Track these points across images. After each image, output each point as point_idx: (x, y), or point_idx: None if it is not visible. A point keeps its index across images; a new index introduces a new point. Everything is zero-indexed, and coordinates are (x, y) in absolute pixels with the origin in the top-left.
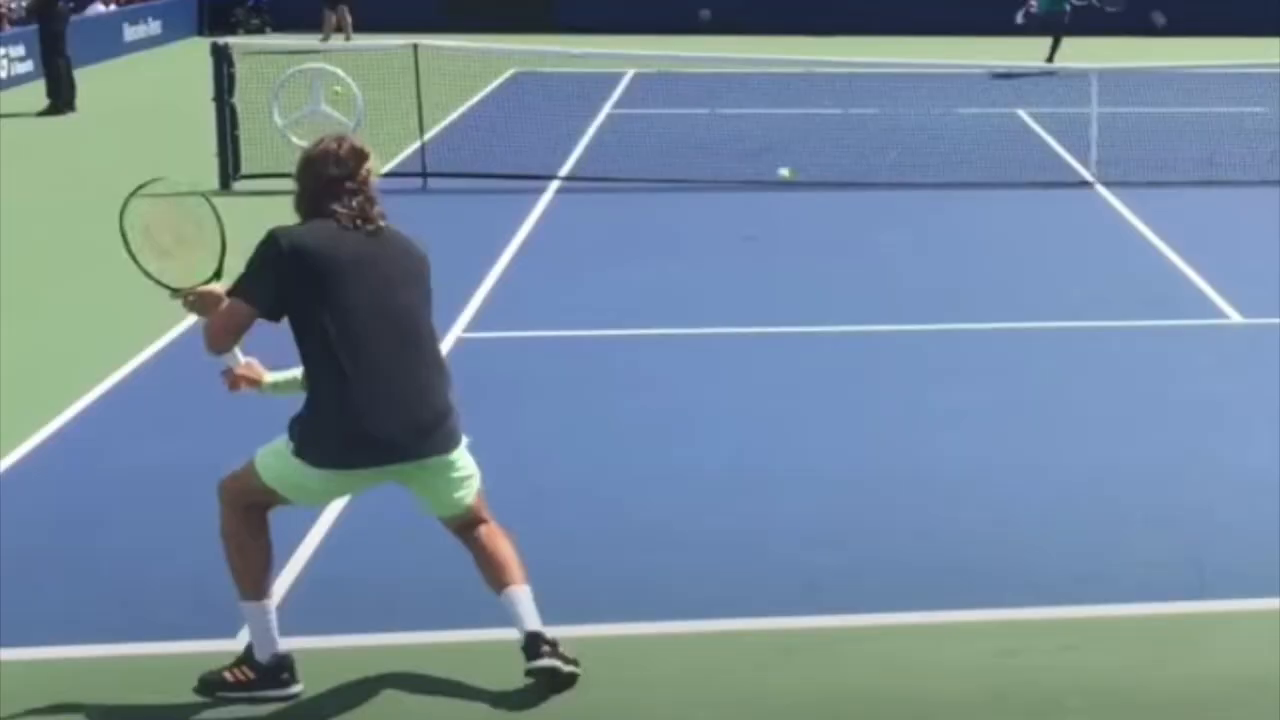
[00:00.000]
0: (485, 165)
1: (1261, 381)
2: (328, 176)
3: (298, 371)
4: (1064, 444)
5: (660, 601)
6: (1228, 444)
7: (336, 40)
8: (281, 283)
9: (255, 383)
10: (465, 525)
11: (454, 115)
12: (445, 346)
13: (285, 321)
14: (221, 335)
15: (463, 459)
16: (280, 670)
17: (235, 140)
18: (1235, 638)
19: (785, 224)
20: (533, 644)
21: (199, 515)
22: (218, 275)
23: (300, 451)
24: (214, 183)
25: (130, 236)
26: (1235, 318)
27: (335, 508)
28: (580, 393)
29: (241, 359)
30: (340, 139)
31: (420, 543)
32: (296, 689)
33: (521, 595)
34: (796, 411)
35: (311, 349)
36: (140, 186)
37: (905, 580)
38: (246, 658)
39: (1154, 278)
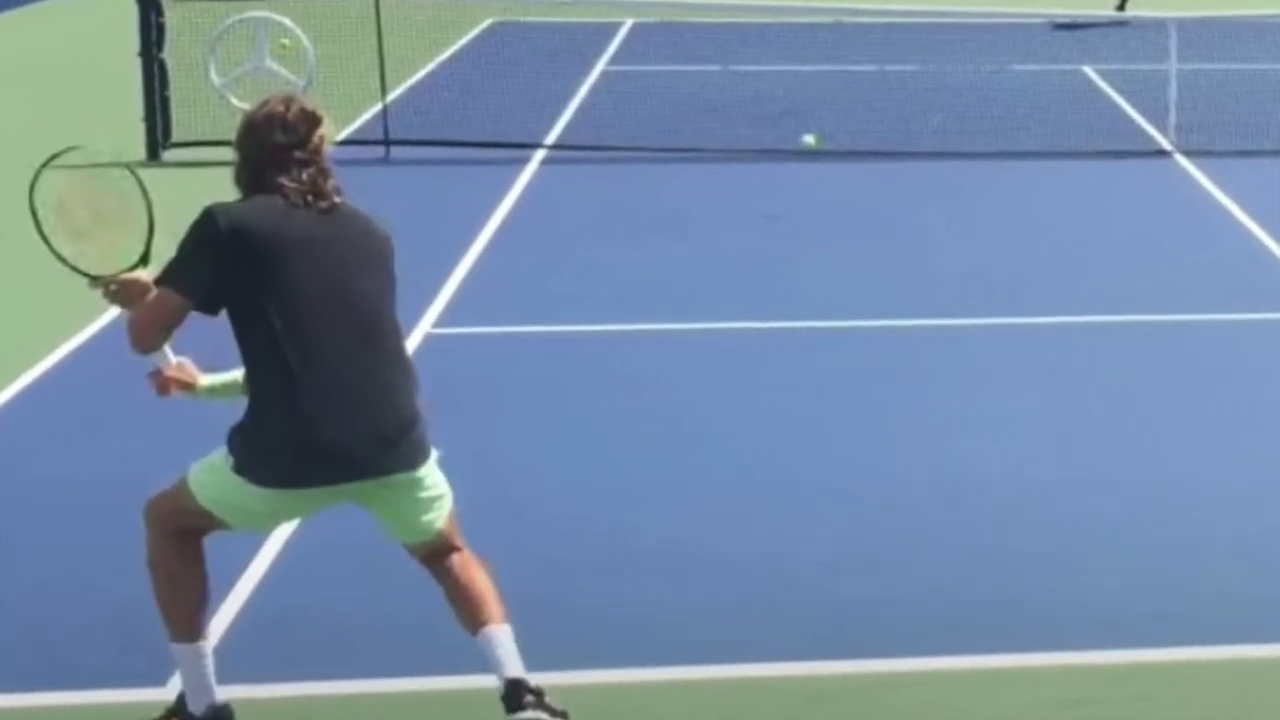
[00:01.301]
0: (458, 132)
1: None
2: (273, 144)
3: (238, 374)
4: (1134, 457)
5: (663, 642)
6: None
7: None
8: (219, 268)
9: (188, 386)
10: (435, 553)
11: (421, 73)
12: (412, 344)
13: (224, 315)
14: (149, 331)
15: (431, 476)
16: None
17: (165, 102)
18: None
19: (810, 201)
20: (514, 693)
21: (123, 539)
22: (144, 260)
23: (241, 468)
24: (140, 152)
25: (41, 214)
26: None
27: (282, 531)
28: (568, 397)
29: (172, 359)
30: (288, 100)
31: (381, 572)
32: None
33: (501, 636)
34: (820, 419)
35: (254, 346)
36: (52, 157)
37: (949, 616)
38: (178, 709)
39: (1243, 263)
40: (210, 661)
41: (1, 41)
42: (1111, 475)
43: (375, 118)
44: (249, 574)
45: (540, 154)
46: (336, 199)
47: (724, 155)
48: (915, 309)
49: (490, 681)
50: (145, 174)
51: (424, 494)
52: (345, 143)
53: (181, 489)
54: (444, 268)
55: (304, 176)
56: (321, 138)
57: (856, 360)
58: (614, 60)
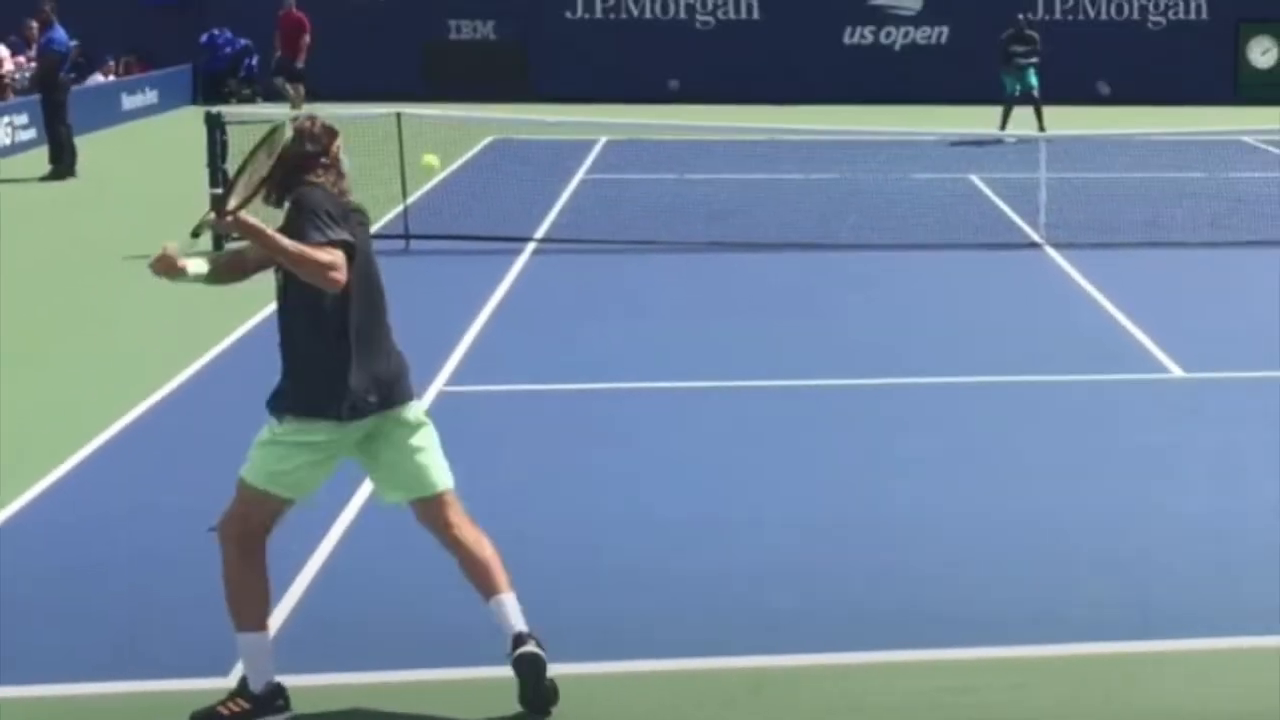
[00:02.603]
0: (465, 228)
1: (1200, 433)
2: (304, 153)
3: (205, 269)
4: (1013, 491)
5: (631, 641)
6: (1169, 492)
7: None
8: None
9: (177, 270)
10: (439, 520)
11: (435, 181)
12: (427, 400)
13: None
14: (339, 270)
15: (427, 427)
16: (275, 698)
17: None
18: (1177, 675)
19: (749, 284)
20: (519, 638)
21: (190, 558)
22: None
23: (305, 412)
24: (208, 244)
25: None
26: (1177, 372)
27: (326, 546)
28: (555, 444)
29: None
30: (312, 118)
31: (409, 584)
32: (291, 715)
33: (509, 603)
34: (757, 460)
35: (328, 305)
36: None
37: (861, 620)
38: (240, 690)
39: (1100, 334)
40: (270, 647)
41: (95, 154)
42: (994, 506)
43: (398, 216)
44: (299, 580)
45: (531, 246)
46: (351, 196)
47: (680, 247)
48: (835, 371)
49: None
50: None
51: (422, 439)
52: (373, 236)
53: (239, 490)
54: (454, 337)
55: (330, 178)
56: (339, 147)
57: (786, 412)
58: (591, 170)
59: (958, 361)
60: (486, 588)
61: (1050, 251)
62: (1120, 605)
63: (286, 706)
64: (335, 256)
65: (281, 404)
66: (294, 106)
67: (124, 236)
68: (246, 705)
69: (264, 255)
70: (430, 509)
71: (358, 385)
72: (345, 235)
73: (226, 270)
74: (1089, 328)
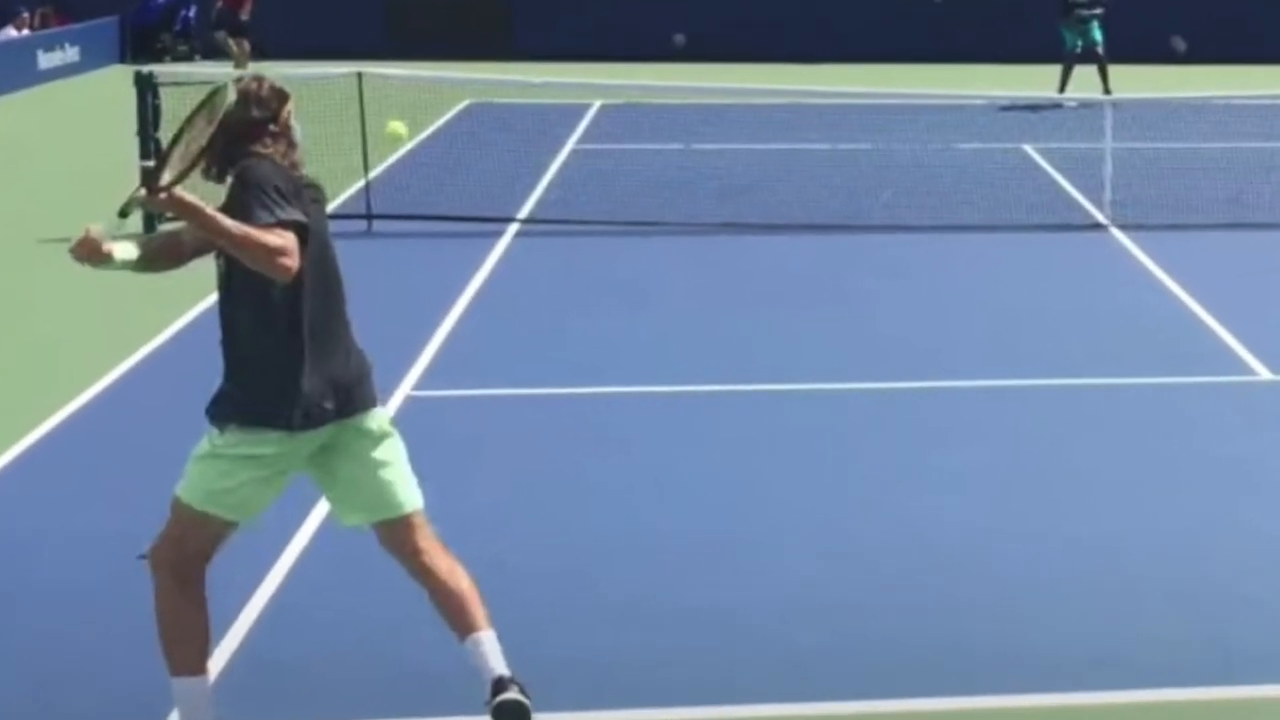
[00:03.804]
0: (436, 206)
1: None
2: (249, 119)
3: (134, 254)
4: (1073, 510)
5: (630, 685)
6: (1255, 510)
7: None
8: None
9: (102, 255)
10: (407, 544)
11: (402, 151)
12: (392, 406)
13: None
14: (290, 255)
15: (391, 438)
16: None
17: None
18: None
19: (766, 271)
20: (499, 684)
21: (115, 590)
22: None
23: (248, 421)
24: (138, 227)
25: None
26: (1264, 374)
27: (276, 576)
28: (541, 456)
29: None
30: (259, 78)
31: (373, 620)
32: None
33: (487, 643)
34: (776, 475)
35: (277, 300)
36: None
37: (898, 661)
38: None
39: (1173, 330)
40: (209, 694)
41: (6, 120)
42: (1050, 528)
43: (359, 193)
44: (243, 617)
45: (514, 227)
46: (304, 171)
47: (686, 229)
48: (865, 373)
49: None
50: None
51: (386, 452)
52: (331, 216)
53: (174, 511)
54: (423, 334)
55: (279, 148)
56: (289, 112)
57: (809, 420)
58: (583, 139)
59: (1008, 361)
60: (462, 624)
61: (1116, 233)
62: (1197, 644)
63: None
64: (285, 240)
65: (223, 411)
66: (237, 65)
67: (41, 216)
68: None
69: (203, 238)
70: (396, 532)
71: (311, 389)
72: (297, 215)
73: (160, 255)
74: (1161, 322)
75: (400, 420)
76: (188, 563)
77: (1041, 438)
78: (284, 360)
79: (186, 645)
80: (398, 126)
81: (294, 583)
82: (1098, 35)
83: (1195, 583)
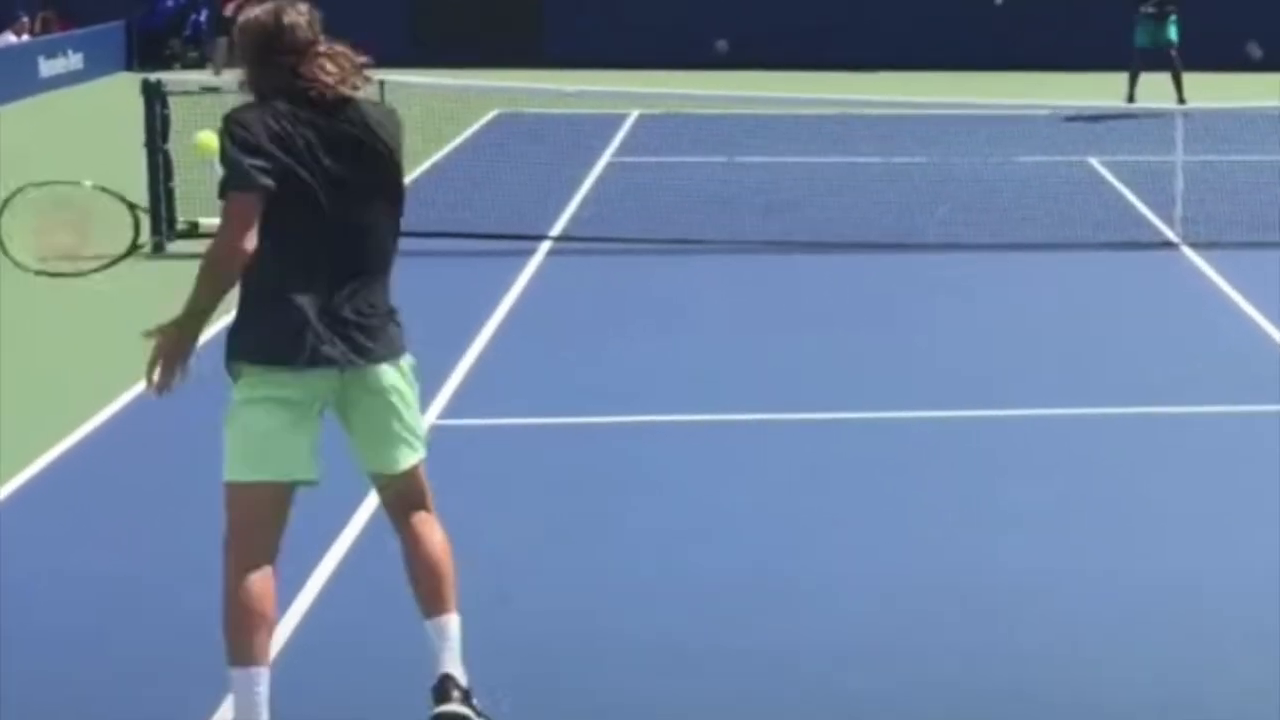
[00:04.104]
0: (464, 223)
1: None
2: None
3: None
4: (1144, 549)
5: None
6: None
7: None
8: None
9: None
10: (403, 502)
11: (426, 164)
12: None
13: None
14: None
15: (409, 394)
16: None
17: (169, 194)
18: None
19: (815, 292)
20: (443, 687)
21: (125, 632)
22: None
23: (237, 355)
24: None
25: (22, 261)
26: None
27: (295, 615)
28: (575, 489)
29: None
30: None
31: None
32: None
33: (450, 629)
34: (826, 511)
35: (271, 240)
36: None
37: (958, 709)
38: None
39: (1249, 354)
40: (266, 690)
41: (6, 131)
42: (1121, 567)
43: None
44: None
45: (546, 245)
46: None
47: (729, 247)
48: (922, 401)
49: None
50: (150, 266)
51: (401, 408)
52: None
53: (228, 501)
54: (449, 360)
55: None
56: (295, 23)
57: (863, 452)
58: (620, 151)
59: (1074, 389)
60: (435, 604)
61: (1188, 252)
62: (1278, 690)
63: None
64: (227, 234)
65: (231, 350)
66: (215, 71)
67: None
68: None
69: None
70: (391, 487)
71: (313, 332)
72: (250, 179)
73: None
74: (1236, 346)
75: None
76: (255, 551)
77: (1111, 470)
78: (282, 299)
79: (251, 635)
80: (206, 137)
81: (319, 610)
82: (1173, 34)
83: (1275, 624)
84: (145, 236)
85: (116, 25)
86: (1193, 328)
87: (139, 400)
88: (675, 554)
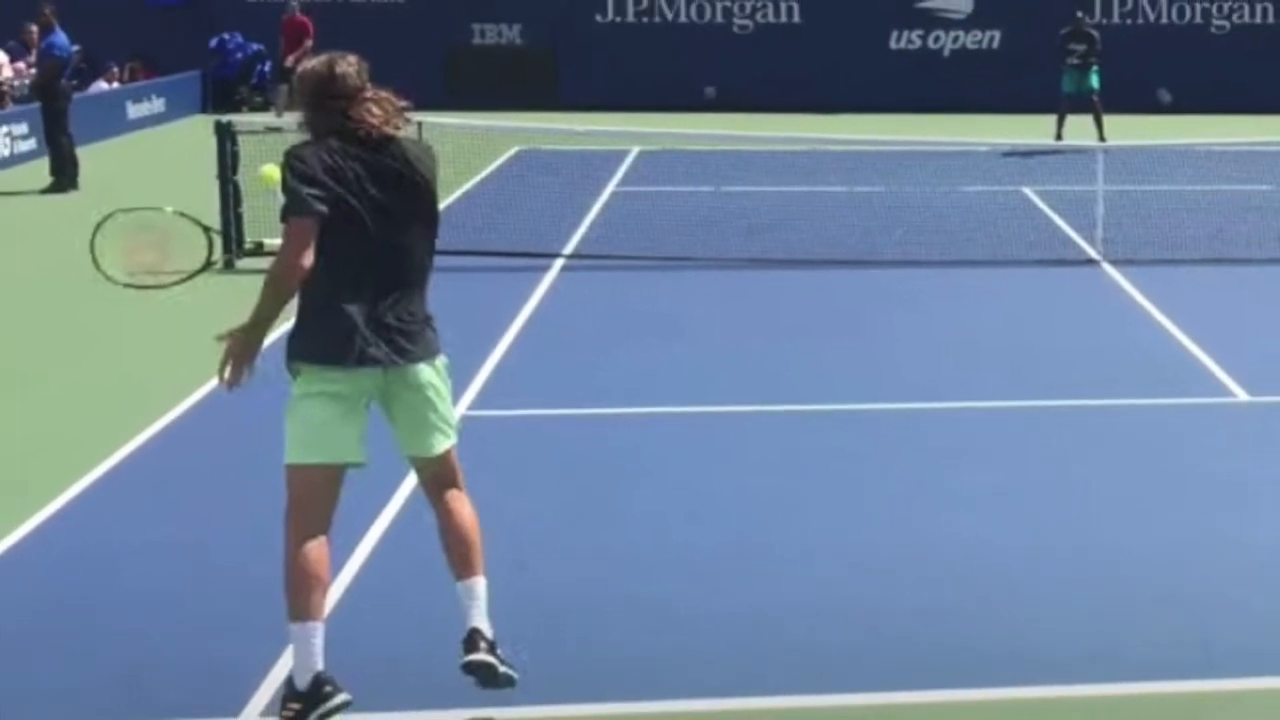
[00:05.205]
0: (489, 243)
1: (1270, 460)
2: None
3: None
4: (1070, 523)
5: (666, 682)
6: (1237, 522)
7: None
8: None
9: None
10: (438, 481)
11: (458, 193)
12: None
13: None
14: (293, 260)
15: (443, 390)
16: (320, 688)
17: (239, 219)
18: (1245, 717)
19: (790, 303)
20: (472, 639)
21: (199, 594)
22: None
23: (311, 357)
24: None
25: (112, 275)
26: (1243, 396)
27: (345, 578)
28: (582, 469)
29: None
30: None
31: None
32: (344, 698)
33: (478, 589)
34: (801, 490)
35: (327, 255)
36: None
37: (914, 659)
38: (288, 694)
39: (1162, 356)
40: (320, 638)
41: (98, 166)
42: (1052, 538)
43: None
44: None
45: (559, 263)
46: (390, 131)
47: (716, 264)
48: (882, 395)
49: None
50: (221, 280)
51: (436, 401)
52: None
53: (288, 480)
54: (477, 359)
55: (349, 112)
56: (344, 73)
57: (832, 440)
58: (623, 182)
59: (1012, 386)
60: (465, 567)
61: (1108, 268)
62: (1185, 643)
63: (337, 691)
64: (288, 253)
65: (291, 352)
66: (277, 114)
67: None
68: (297, 706)
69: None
70: (428, 468)
71: (361, 336)
72: (307, 205)
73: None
74: (1149, 349)
75: (458, 438)
76: (312, 523)
77: (1045, 455)
78: (335, 308)
79: (307, 594)
80: (271, 171)
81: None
82: (1095, 82)
83: (1181, 586)
84: (218, 254)
85: (193, 74)
86: (1113, 333)
87: (212, 396)
88: (670, 528)
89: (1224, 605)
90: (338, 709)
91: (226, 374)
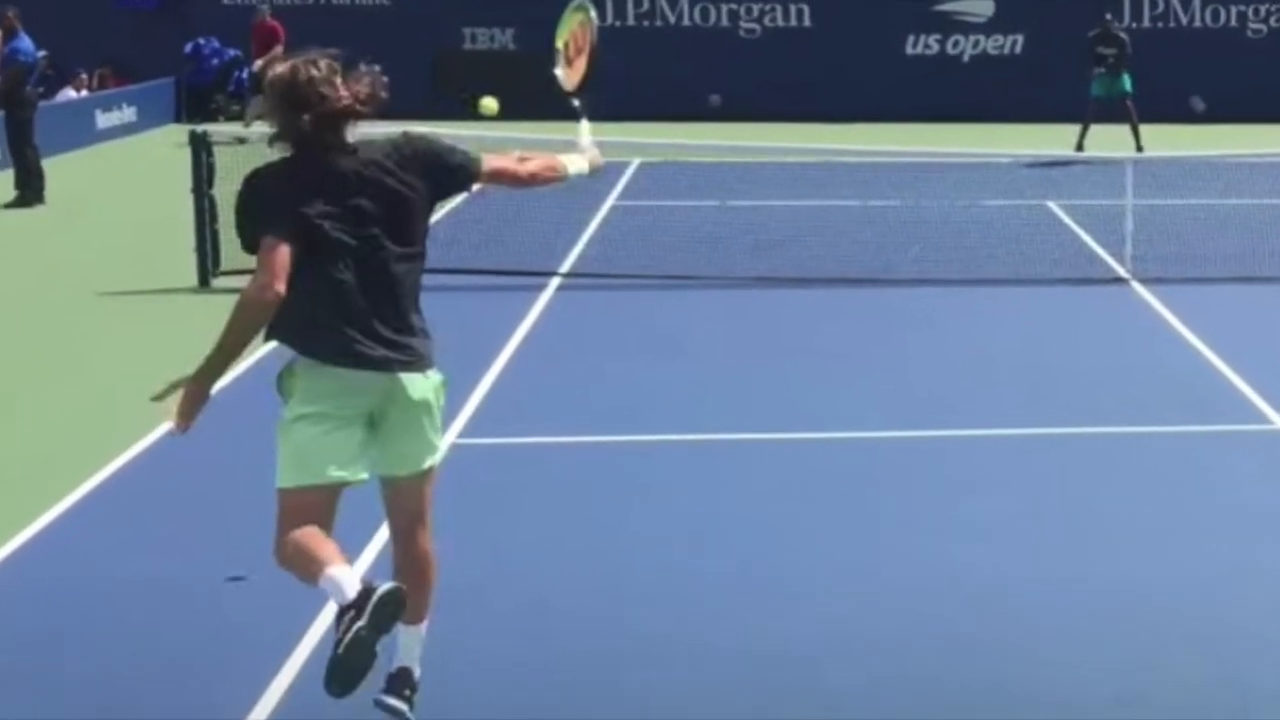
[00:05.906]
0: (480, 261)
1: None
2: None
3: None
4: (1097, 557)
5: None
6: (1273, 555)
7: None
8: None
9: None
10: (407, 509)
11: (446, 209)
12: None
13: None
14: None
15: (436, 407)
16: (369, 592)
17: (215, 235)
18: None
19: (799, 323)
20: (397, 678)
21: (174, 632)
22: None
23: (305, 350)
24: (192, 280)
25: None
26: (1278, 423)
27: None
28: (580, 500)
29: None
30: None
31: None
32: (391, 585)
33: (423, 631)
34: (809, 521)
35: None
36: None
37: (929, 701)
38: (340, 613)
39: (1193, 380)
40: (350, 570)
41: (66, 178)
42: (1075, 573)
43: None
44: (290, 664)
45: (556, 281)
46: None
47: (722, 282)
48: (896, 422)
49: None
50: (196, 299)
51: (431, 415)
52: None
53: (280, 506)
54: (468, 384)
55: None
56: (312, 77)
57: (842, 468)
58: (623, 196)
59: (1033, 411)
60: (412, 610)
61: (1137, 287)
62: (1218, 685)
63: (383, 583)
64: (261, 275)
65: (286, 367)
66: (246, 123)
67: (98, 270)
68: (352, 611)
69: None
70: (398, 490)
71: (357, 338)
72: (276, 228)
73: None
74: (1180, 372)
75: (445, 467)
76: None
77: (1067, 485)
78: (325, 325)
79: (314, 554)
80: (490, 102)
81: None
82: (1128, 86)
83: (1213, 625)
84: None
85: (167, 81)
86: (1141, 355)
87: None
88: (670, 558)
89: (1259, 645)
90: (393, 591)
91: (176, 422)
